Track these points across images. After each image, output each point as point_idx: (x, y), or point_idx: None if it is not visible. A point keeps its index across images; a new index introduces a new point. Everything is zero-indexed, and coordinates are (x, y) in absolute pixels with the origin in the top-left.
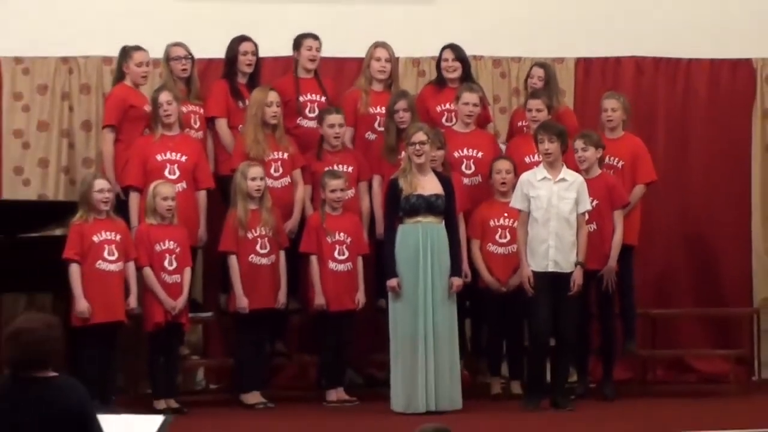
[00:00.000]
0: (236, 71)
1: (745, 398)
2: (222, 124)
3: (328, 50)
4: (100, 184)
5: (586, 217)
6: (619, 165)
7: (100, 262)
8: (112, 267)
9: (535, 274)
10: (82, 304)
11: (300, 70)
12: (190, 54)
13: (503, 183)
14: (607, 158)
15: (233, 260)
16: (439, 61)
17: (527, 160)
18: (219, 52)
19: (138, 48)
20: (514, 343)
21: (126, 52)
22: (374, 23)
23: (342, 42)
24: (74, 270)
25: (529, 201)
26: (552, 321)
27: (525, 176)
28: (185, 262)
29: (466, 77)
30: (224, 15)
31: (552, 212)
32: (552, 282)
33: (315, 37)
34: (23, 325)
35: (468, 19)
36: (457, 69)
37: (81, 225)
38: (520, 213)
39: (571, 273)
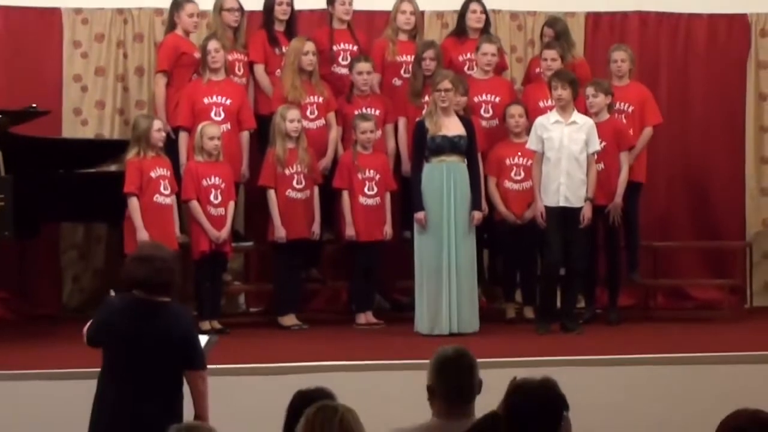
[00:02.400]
0: (273, 20)
1: (737, 324)
2: (260, 70)
3: (360, 4)
4: (159, 123)
5: (595, 156)
6: (629, 110)
7: (156, 195)
8: (167, 200)
9: (547, 209)
10: (143, 234)
11: (335, 22)
12: (241, 6)
13: (516, 126)
14: (617, 104)
15: (272, 194)
16: (464, 12)
17: (541, 104)
18: (254, 5)
19: (189, 0)
20: (527, 271)
21: (178, 3)
22: None
23: None
24: (134, 203)
25: (543, 142)
26: (563, 252)
27: (539, 120)
28: (229, 197)
29: (485, 28)
30: None
31: (563, 152)
32: (563, 216)
33: None
34: (156, 253)
35: None
36: (482, 20)
37: (140, 161)
38: (535, 153)
39: (581, 208)
